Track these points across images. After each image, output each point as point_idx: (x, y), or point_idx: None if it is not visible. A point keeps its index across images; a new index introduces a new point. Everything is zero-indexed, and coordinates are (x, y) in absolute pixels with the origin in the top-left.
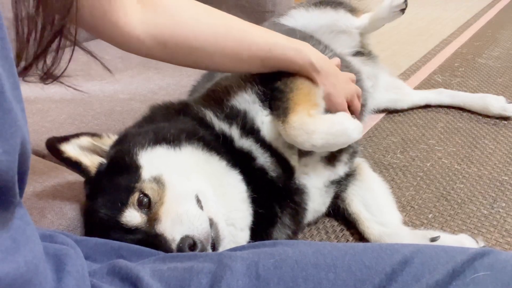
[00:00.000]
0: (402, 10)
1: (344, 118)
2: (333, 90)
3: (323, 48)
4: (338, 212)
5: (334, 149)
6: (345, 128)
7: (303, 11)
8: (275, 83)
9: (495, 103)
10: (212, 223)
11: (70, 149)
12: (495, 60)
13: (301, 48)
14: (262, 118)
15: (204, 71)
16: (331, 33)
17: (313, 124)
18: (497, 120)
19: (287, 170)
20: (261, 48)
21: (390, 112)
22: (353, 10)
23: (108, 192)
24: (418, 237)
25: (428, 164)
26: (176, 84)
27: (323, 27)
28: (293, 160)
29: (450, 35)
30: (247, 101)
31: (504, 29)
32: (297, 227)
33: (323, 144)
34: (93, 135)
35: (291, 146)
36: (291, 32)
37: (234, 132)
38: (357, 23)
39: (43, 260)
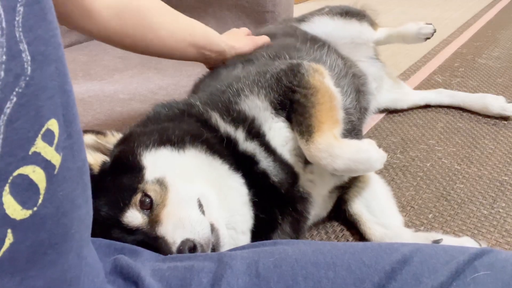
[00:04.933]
0: (427, 38)
1: (370, 147)
2: (245, 48)
3: (336, 57)
4: (338, 212)
5: (353, 174)
6: (369, 157)
7: (327, 19)
8: (294, 95)
9: (495, 103)
10: (213, 229)
11: None
12: (495, 60)
13: (214, 31)
14: (271, 125)
15: (207, 70)
16: (351, 44)
17: (339, 148)
18: (497, 120)
19: (291, 176)
20: (188, 31)
21: (390, 112)
22: (373, 24)
23: (111, 191)
24: (420, 239)
25: (428, 164)
26: (176, 84)
27: (345, 38)
28: (298, 166)
29: (450, 35)
30: (259, 107)
31: (504, 29)
32: (297, 236)
33: (344, 169)
34: (97, 132)
35: (297, 154)
36: (313, 39)
37: (239, 135)
38: (375, 37)
39: None
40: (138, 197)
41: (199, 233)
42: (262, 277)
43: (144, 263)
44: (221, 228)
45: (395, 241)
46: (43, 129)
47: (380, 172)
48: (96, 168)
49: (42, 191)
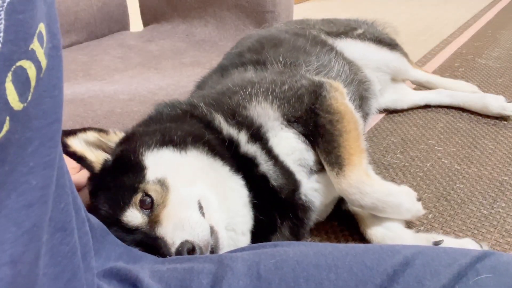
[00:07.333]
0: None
1: (403, 194)
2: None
3: (344, 63)
4: (338, 212)
5: (380, 215)
6: (398, 204)
7: (359, 42)
8: (318, 118)
9: (494, 103)
10: (212, 231)
11: (76, 143)
12: (495, 60)
13: None
14: (277, 133)
15: (207, 71)
16: (378, 70)
17: (370, 186)
18: (497, 120)
19: (292, 182)
20: None
21: (390, 112)
22: (407, 58)
23: (111, 190)
24: (421, 240)
25: (428, 164)
26: (176, 84)
27: (372, 62)
28: (300, 175)
29: (450, 35)
30: (268, 116)
31: (504, 29)
32: (296, 240)
33: (371, 207)
34: (100, 130)
35: (302, 164)
36: (322, 42)
37: (241, 137)
38: (413, 73)
39: None
40: (138, 196)
41: (198, 235)
42: (263, 279)
43: (143, 266)
44: (220, 230)
45: (395, 242)
46: (37, 30)
47: (380, 172)
48: (98, 166)
49: (31, 89)
